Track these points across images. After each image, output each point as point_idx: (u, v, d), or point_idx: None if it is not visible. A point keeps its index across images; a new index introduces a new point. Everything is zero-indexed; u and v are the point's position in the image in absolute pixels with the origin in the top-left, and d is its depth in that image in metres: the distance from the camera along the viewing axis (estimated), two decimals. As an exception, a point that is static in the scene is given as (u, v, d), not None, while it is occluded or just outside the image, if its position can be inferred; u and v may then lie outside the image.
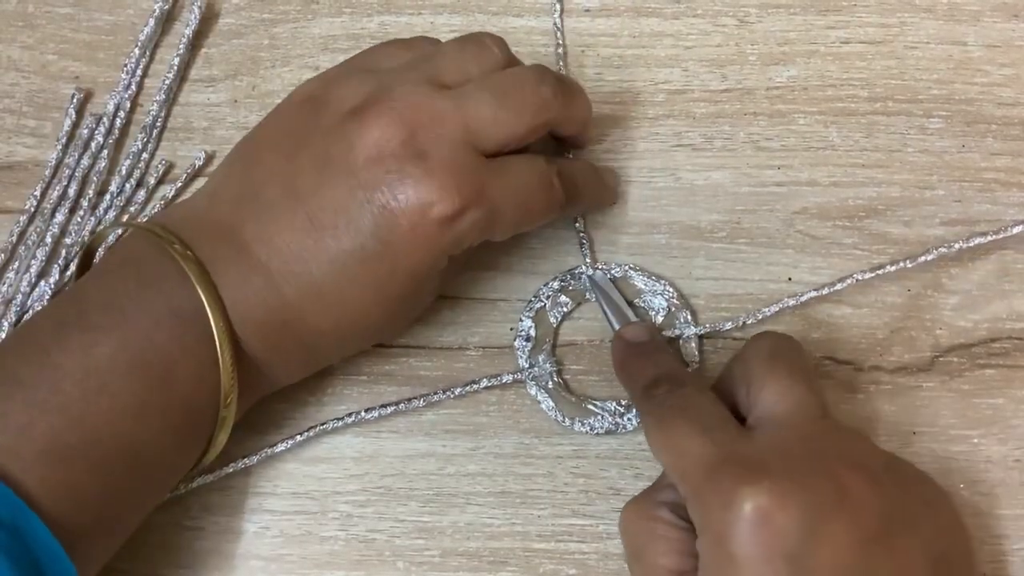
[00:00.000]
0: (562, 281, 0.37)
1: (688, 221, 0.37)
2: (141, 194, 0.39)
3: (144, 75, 0.41)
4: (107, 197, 0.39)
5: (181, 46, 0.40)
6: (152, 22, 0.40)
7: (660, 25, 0.39)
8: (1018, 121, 0.37)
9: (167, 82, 0.40)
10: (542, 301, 0.37)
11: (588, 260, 0.37)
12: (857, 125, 0.37)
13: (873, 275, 0.35)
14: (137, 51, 0.40)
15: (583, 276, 0.37)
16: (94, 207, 0.39)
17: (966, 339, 0.35)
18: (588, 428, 0.35)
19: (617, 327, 0.35)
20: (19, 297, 0.38)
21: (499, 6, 0.40)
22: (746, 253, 0.37)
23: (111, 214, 0.39)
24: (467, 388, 0.36)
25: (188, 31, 0.40)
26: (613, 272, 0.36)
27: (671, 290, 0.36)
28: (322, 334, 0.31)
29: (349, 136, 0.30)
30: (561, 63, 0.39)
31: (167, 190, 0.39)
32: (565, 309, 0.37)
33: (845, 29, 0.38)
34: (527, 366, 0.36)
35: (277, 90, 0.40)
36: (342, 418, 0.35)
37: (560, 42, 0.39)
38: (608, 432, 0.35)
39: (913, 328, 0.35)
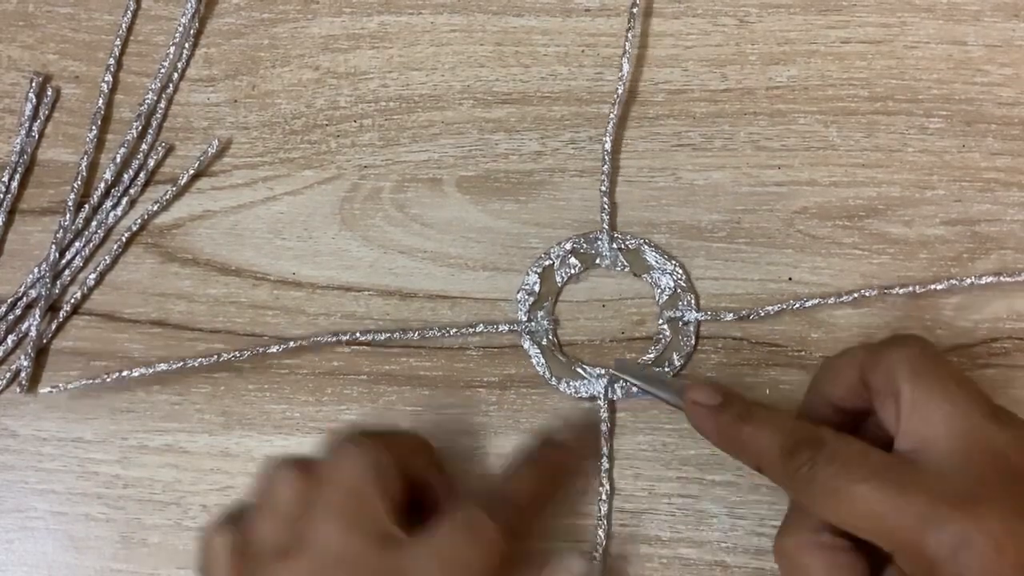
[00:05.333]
0: (575, 243, 0.37)
1: (688, 221, 0.37)
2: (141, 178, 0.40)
3: (177, 72, 0.41)
4: (102, 186, 0.39)
5: (177, 34, 0.40)
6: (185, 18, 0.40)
7: (660, 25, 0.39)
8: (1018, 121, 0.37)
9: (162, 70, 0.40)
10: (551, 259, 0.37)
11: (607, 227, 0.37)
12: (857, 125, 0.37)
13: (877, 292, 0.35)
14: (173, 48, 0.40)
15: (599, 239, 0.37)
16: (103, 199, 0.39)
17: (966, 339, 0.35)
18: (572, 390, 0.36)
19: (668, 396, 0.33)
20: (44, 291, 0.38)
21: (499, 6, 0.40)
22: (746, 253, 0.37)
23: (119, 206, 0.39)
24: (463, 331, 0.36)
25: (184, 19, 0.40)
26: (628, 242, 0.37)
27: (680, 272, 0.36)
28: None
29: None
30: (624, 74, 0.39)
31: (180, 176, 0.39)
32: (573, 271, 0.37)
33: (845, 29, 0.38)
34: (525, 319, 0.36)
35: (277, 90, 0.40)
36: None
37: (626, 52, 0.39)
38: (591, 398, 0.35)
39: (913, 328, 0.35)
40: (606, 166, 0.37)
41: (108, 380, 0.37)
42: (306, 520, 0.29)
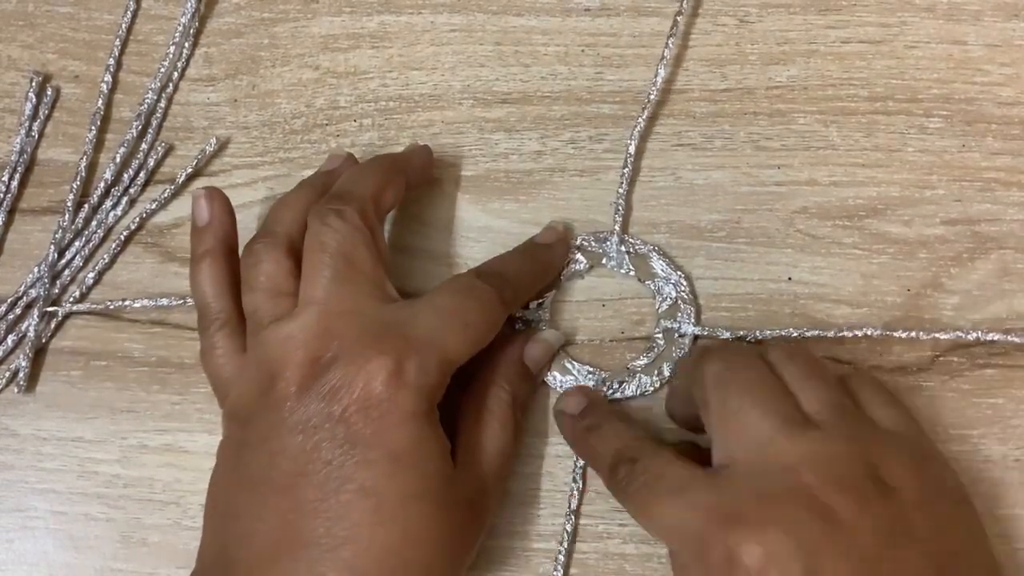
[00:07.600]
0: (584, 239, 0.37)
1: (688, 221, 0.37)
2: (141, 177, 0.40)
3: (177, 71, 0.41)
4: (102, 186, 0.39)
5: (177, 34, 0.40)
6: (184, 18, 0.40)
7: (660, 25, 0.39)
8: (1018, 120, 0.37)
9: (162, 70, 0.40)
10: None
11: (618, 229, 0.37)
12: (857, 125, 0.37)
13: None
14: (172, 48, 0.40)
15: (609, 240, 0.37)
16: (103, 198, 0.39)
17: (966, 339, 0.35)
18: (557, 384, 0.35)
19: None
20: (43, 290, 0.38)
21: (499, 6, 0.40)
22: (746, 252, 0.37)
23: (119, 206, 0.39)
24: None
25: (184, 19, 0.40)
26: (638, 247, 0.37)
27: (684, 284, 0.36)
28: None
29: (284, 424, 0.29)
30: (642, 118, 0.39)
31: (179, 175, 0.39)
32: (578, 266, 0.37)
33: (845, 29, 0.38)
34: (521, 309, 0.36)
35: (277, 89, 0.40)
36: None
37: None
38: None
39: (913, 328, 0.35)
40: (627, 169, 0.37)
41: (110, 307, 0.38)
42: (305, 284, 0.31)
